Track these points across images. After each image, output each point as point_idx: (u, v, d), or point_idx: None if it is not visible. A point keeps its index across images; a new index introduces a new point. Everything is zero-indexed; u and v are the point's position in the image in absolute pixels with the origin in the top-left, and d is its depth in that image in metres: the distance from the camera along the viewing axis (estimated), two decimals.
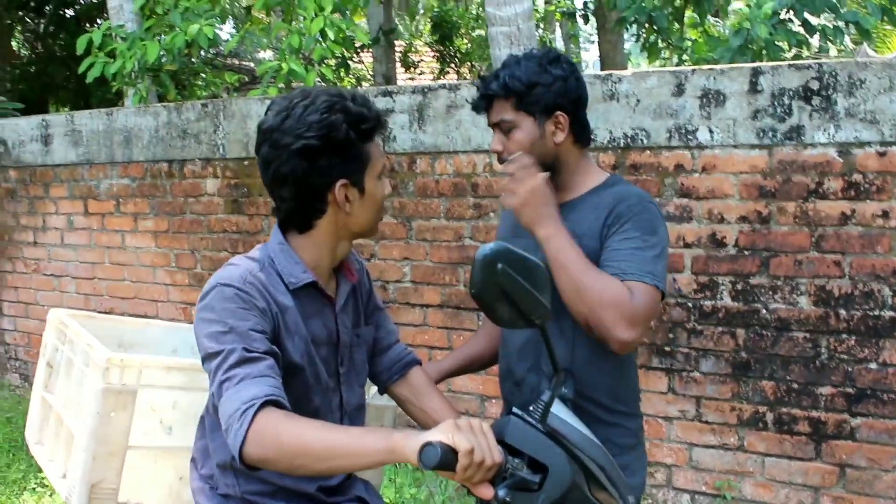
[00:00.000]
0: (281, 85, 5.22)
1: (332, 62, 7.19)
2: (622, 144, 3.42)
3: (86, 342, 2.04)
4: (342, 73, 6.82)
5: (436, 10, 14.07)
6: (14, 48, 16.32)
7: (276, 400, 1.53)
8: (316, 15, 5.18)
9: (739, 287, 3.27)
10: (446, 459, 1.28)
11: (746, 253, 3.24)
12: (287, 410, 1.53)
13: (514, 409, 1.51)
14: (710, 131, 3.24)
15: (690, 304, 3.36)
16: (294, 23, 5.66)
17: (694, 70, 3.30)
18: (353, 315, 1.91)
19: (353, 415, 1.88)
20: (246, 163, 4.60)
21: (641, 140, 3.38)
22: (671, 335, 3.41)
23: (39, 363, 2.35)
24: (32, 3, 15.27)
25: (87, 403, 1.90)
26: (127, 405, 1.91)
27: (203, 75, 7.88)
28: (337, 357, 1.83)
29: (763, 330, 3.24)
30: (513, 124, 1.98)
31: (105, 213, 5.31)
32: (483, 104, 2.03)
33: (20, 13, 15.22)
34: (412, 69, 14.22)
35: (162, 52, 5.64)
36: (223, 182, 4.72)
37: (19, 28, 16.48)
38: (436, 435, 1.32)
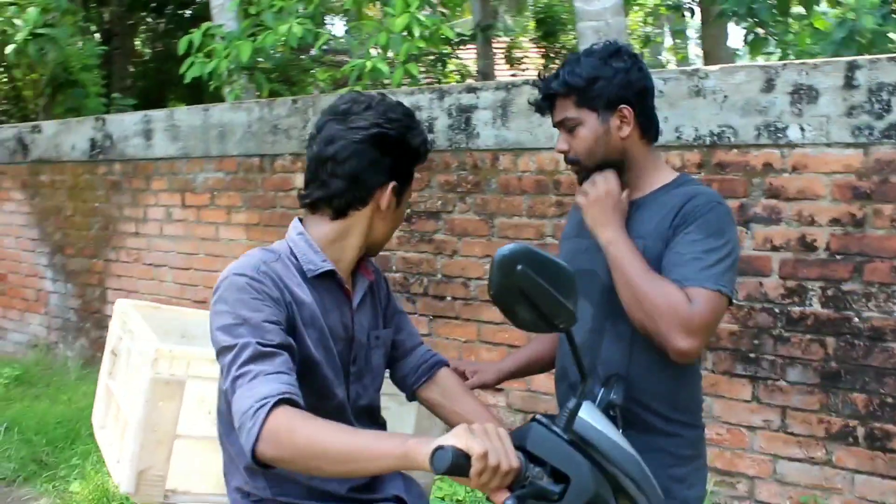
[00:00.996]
0: (368, 83, 5.25)
1: (424, 59, 7.19)
2: (708, 143, 3.29)
3: (140, 332, 2.10)
4: (439, 70, 6.81)
5: (540, 4, 13.94)
6: (137, 47, 17.09)
7: (290, 398, 1.50)
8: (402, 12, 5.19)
9: (830, 293, 3.10)
10: (458, 463, 1.25)
11: (838, 258, 3.07)
12: (301, 408, 1.51)
13: (538, 416, 1.46)
14: (802, 129, 3.09)
15: (777, 310, 3.21)
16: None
17: (785, 65, 3.15)
18: (371, 316, 1.88)
19: (358, 415, 1.83)
20: None
21: (728, 138, 3.24)
22: (756, 341, 3.27)
23: (105, 351, 2.43)
24: (153, 4, 15.93)
25: (137, 392, 1.95)
26: (175, 395, 1.95)
27: (313, 72, 8.03)
28: (350, 354, 1.81)
29: (855, 339, 3.07)
30: (576, 121, 1.91)
31: (201, 206, 5.47)
32: (546, 105, 1.98)
33: (142, 14, 15.88)
34: (516, 65, 14.14)
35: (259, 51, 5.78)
36: None
37: (142, 28, 17.24)
38: (449, 439, 1.29)
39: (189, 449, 2.00)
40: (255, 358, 1.55)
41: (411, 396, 2.05)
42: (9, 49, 7.42)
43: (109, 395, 2.34)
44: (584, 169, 1.94)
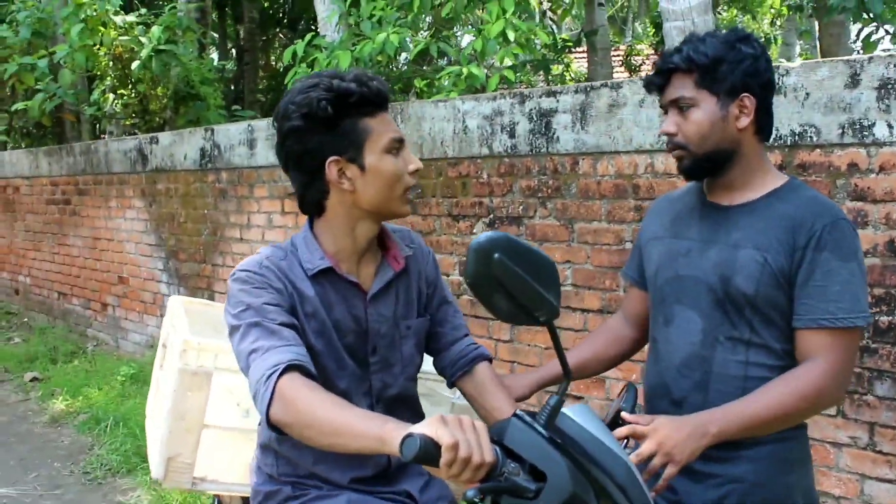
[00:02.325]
0: (463, 89, 5.26)
1: (527, 66, 7.16)
2: (789, 142, 3.13)
3: (179, 326, 2.17)
4: (535, 76, 6.76)
5: (658, 9, 13.68)
6: (272, 62, 17.81)
7: (300, 364, 1.56)
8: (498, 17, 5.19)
9: None
10: (427, 452, 1.23)
11: None
12: (313, 375, 1.57)
13: (518, 412, 1.42)
14: (890, 126, 2.89)
15: None
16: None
17: (871, 58, 2.95)
18: (400, 304, 1.87)
19: (391, 404, 1.85)
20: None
21: (811, 137, 3.07)
22: None
23: (159, 344, 2.53)
24: (285, 20, 16.57)
25: (167, 381, 2.02)
26: (202, 386, 2.00)
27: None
28: (367, 345, 1.81)
29: None
30: (692, 102, 1.83)
31: (298, 213, 5.60)
32: (659, 81, 1.89)
33: (276, 29, 16.54)
34: (635, 72, 13.89)
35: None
36: None
37: (276, 44, 17.97)
38: (420, 427, 1.28)
39: (217, 438, 2.06)
40: (263, 335, 1.63)
41: (451, 385, 2.05)
42: (135, 65, 7.84)
43: (157, 385, 2.43)
44: (690, 156, 1.86)
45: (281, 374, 1.54)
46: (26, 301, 9.64)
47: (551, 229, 4.05)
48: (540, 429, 1.38)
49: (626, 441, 1.75)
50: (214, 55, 18.19)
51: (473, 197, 4.40)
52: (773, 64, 3.14)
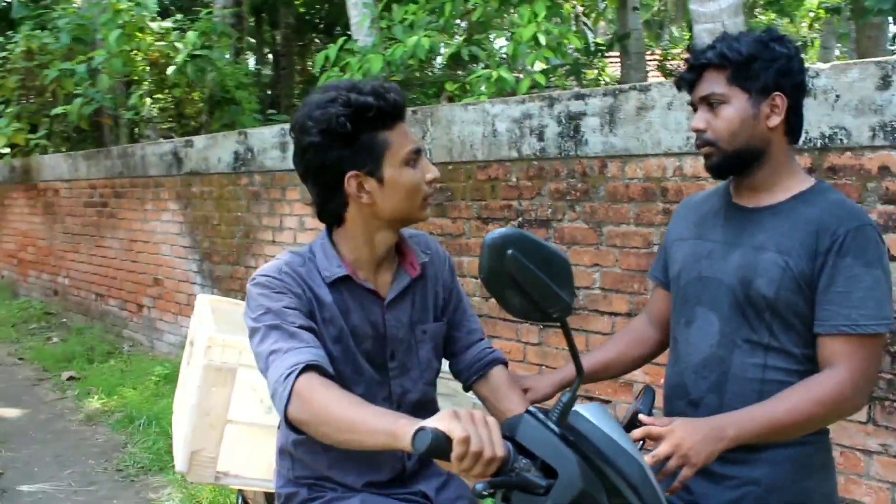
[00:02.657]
0: (492, 91, 5.27)
1: (560, 70, 7.15)
2: (819, 145, 3.10)
3: (205, 323, 2.21)
4: (568, 80, 6.76)
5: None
6: (308, 66, 17.97)
7: (318, 365, 1.59)
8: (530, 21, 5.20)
9: None
10: (438, 446, 1.24)
11: None
12: (331, 375, 1.60)
13: (531, 408, 1.42)
14: None
15: None
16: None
17: None
18: (416, 310, 1.89)
19: (411, 409, 1.86)
20: (450, 167, 4.70)
21: (841, 140, 3.04)
22: None
23: (187, 341, 2.57)
24: (322, 25, 16.70)
25: (193, 377, 2.06)
26: (226, 382, 2.04)
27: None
28: (385, 351, 1.83)
29: None
30: (723, 99, 1.82)
31: None
32: (691, 77, 1.88)
33: (313, 34, 16.68)
34: (670, 77, 13.80)
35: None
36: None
37: (311, 49, 18.12)
38: (433, 421, 1.29)
39: (240, 434, 2.09)
40: (283, 337, 1.66)
41: (467, 389, 2.07)
42: (170, 70, 7.96)
43: (184, 382, 2.47)
44: (719, 153, 1.85)
45: (299, 374, 1.56)
46: (65, 302, 9.81)
47: (580, 232, 4.04)
48: (552, 426, 1.39)
49: (642, 442, 1.74)
50: (252, 60, 18.40)
51: (502, 200, 4.41)
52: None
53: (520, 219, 4.31)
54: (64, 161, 9.37)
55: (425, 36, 5.46)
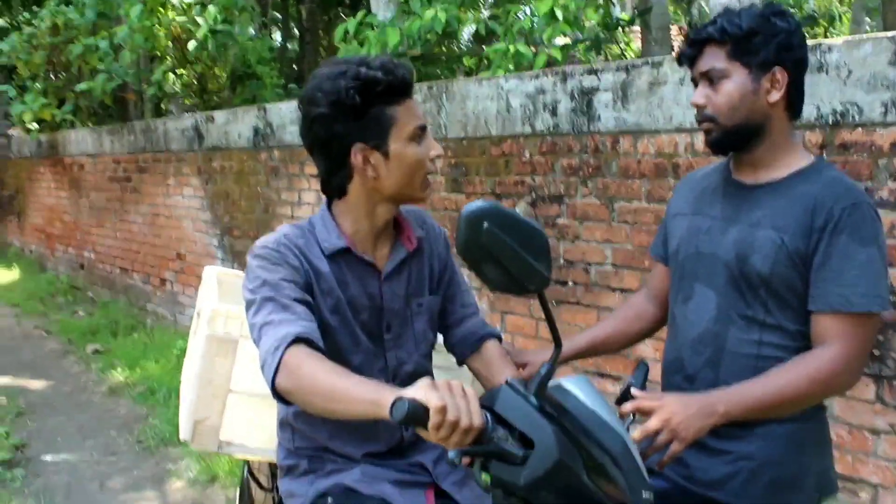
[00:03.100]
0: (510, 66, 5.24)
1: (579, 45, 7.08)
2: (830, 121, 3.06)
3: (209, 295, 2.25)
4: (594, 55, 6.70)
5: None
6: (333, 41, 17.96)
7: (307, 337, 1.61)
8: None
9: None
10: (415, 414, 1.26)
11: None
12: (320, 348, 1.62)
13: (509, 379, 1.44)
14: None
15: None
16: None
17: None
18: (412, 283, 1.91)
19: (407, 380, 1.88)
20: (464, 142, 4.70)
21: (853, 116, 3.00)
22: (881, 337, 3.01)
23: (194, 312, 2.61)
24: (347, 1, 16.66)
25: (196, 348, 2.10)
26: (228, 353, 2.08)
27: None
28: (381, 322, 1.85)
29: None
30: (724, 74, 1.82)
31: None
32: (692, 52, 1.88)
33: (338, 9, 16.64)
34: None
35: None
36: (445, 161, 4.85)
37: (336, 24, 18.08)
38: (411, 391, 1.31)
39: (242, 404, 2.13)
40: (276, 309, 1.68)
41: (460, 363, 2.10)
42: (191, 45, 7.99)
43: (190, 352, 2.52)
44: (719, 128, 1.85)
45: (288, 346, 1.59)
46: (90, 276, 9.95)
47: (592, 208, 4.03)
48: (529, 397, 1.40)
49: (633, 416, 1.76)
50: (277, 35, 18.41)
51: (516, 175, 4.41)
52: (817, 41, 3.08)
53: (532, 194, 4.30)
54: (89, 136, 9.47)
55: (442, 10, 5.43)
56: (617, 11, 12.43)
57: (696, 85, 1.91)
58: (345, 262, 1.83)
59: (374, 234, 1.86)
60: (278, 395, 1.60)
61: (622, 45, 10.47)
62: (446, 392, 1.32)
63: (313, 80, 1.76)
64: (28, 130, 10.42)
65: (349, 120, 1.71)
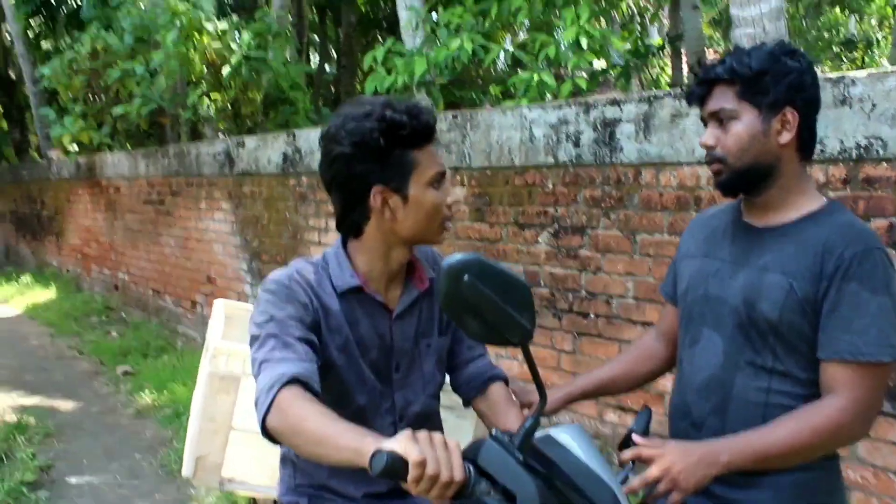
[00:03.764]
0: (535, 95, 5.24)
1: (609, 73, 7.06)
2: (854, 156, 3.01)
3: (214, 330, 2.25)
4: (623, 82, 6.66)
5: None
6: (364, 70, 18.11)
7: (304, 380, 1.60)
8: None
9: None
10: (394, 468, 1.24)
11: None
12: (315, 391, 1.60)
13: (494, 432, 1.41)
14: None
15: None
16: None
17: None
18: (422, 323, 1.90)
19: (414, 421, 1.87)
20: (489, 172, 4.69)
21: (877, 151, 2.95)
22: None
23: (204, 347, 2.62)
24: (385, 24, 16.83)
25: (199, 384, 2.10)
26: (230, 390, 2.07)
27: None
28: (390, 362, 1.84)
29: None
30: (732, 114, 1.78)
31: None
32: (700, 91, 1.85)
33: (376, 31, 16.80)
34: None
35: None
36: (469, 190, 4.85)
37: (374, 48, 18.24)
38: (391, 443, 1.29)
39: (245, 441, 2.12)
40: (278, 347, 1.68)
41: (466, 404, 2.08)
42: (225, 71, 8.10)
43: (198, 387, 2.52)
44: (728, 170, 1.81)
45: (283, 386, 1.58)
46: (124, 297, 10.08)
47: (614, 240, 4.00)
48: (513, 450, 1.38)
49: (632, 463, 1.72)
50: (315, 58, 18.61)
51: (539, 206, 4.39)
52: (840, 74, 3.03)
53: (555, 225, 4.28)
54: (125, 159, 9.62)
55: (469, 39, 5.45)
56: (655, 36, 12.40)
57: (705, 125, 1.88)
58: (356, 300, 1.82)
59: (387, 276, 1.86)
60: (268, 434, 1.59)
61: (656, 71, 10.45)
62: (426, 445, 1.29)
63: (337, 118, 1.76)
64: (67, 152, 10.63)
65: (371, 161, 1.71)
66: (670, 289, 2.16)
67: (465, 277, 1.33)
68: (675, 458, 1.69)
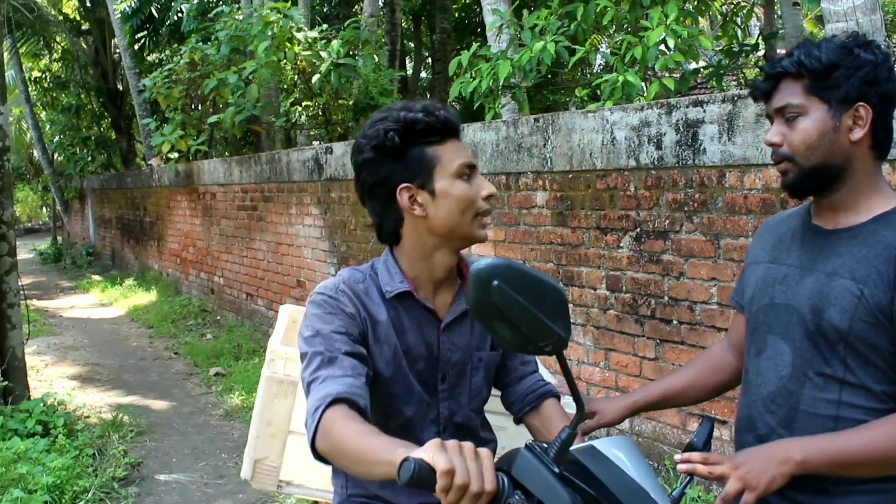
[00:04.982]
0: (620, 97, 5.13)
1: (700, 73, 6.88)
2: None
3: (276, 334, 2.25)
4: (718, 84, 6.47)
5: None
6: (449, 75, 18.16)
7: (348, 398, 1.58)
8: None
9: None
10: (422, 477, 1.20)
11: None
12: (360, 408, 1.58)
13: (529, 443, 1.35)
14: None
15: None
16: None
17: None
18: (475, 335, 1.86)
19: (458, 433, 1.83)
20: (570, 176, 4.62)
21: None
22: None
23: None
24: (479, 30, 16.87)
25: (259, 388, 2.11)
26: (288, 394, 2.07)
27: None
28: (437, 373, 1.81)
29: None
30: (801, 110, 1.68)
31: None
32: (767, 87, 1.75)
33: (472, 37, 16.87)
34: None
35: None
36: (551, 195, 4.78)
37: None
38: (419, 451, 1.25)
39: (302, 445, 2.12)
40: (323, 364, 1.66)
41: (517, 420, 2.02)
42: (315, 78, 8.24)
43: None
44: (796, 169, 1.71)
45: (327, 407, 1.56)
46: (220, 300, 10.35)
47: (697, 245, 3.87)
48: (548, 462, 1.32)
49: (688, 478, 1.64)
50: (410, 65, 18.78)
51: (620, 210, 4.29)
52: None
53: (637, 229, 4.17)
54: (220, 166, 9.89)
55: (551, 41, 5.38)
56: (755, 36, 12.03)
57: (771, 122, 1.78)
58: (404, 307, 1.80)
59: (434, 281, 1.82)
60: (319, 456, 1.58)
61: (756, 72, 10.12)
62: (456, 454, 1.25)
63: (363, 129, 1.79)
64: (166, 160, 10.99)
65: (393, 162, 1.71)
66: (740, 296, 2.06)
67: (495, 283, 1.27)
68: (744, 458, 1.60)
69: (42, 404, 5.67)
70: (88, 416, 6.19)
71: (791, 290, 1.77)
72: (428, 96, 16.75)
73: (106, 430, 5.80)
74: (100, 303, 12.84)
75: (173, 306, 11.01)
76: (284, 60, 8.45)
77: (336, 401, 1.57)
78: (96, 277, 15.54)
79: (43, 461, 4.81)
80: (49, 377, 7.57)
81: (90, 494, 4.64)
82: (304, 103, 9.26)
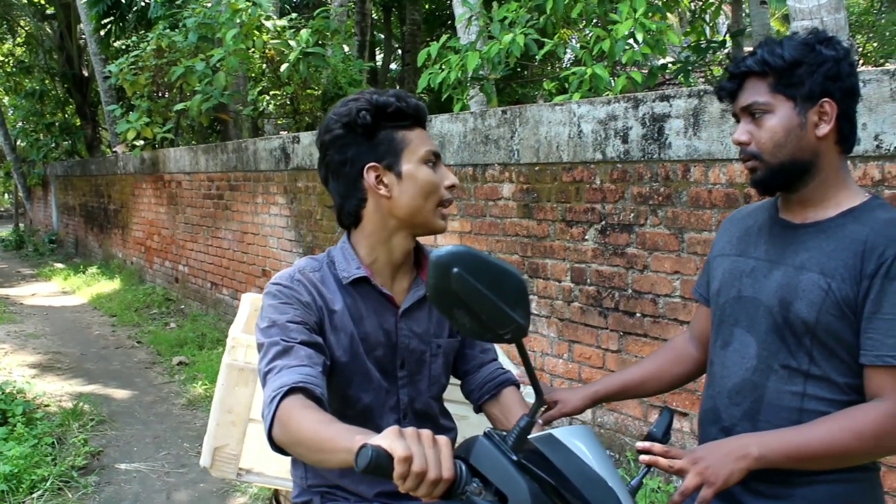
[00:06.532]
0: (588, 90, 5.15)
1: (672, 68, 6.91)
2: None
3: (236, 322, 2.24)
4: (684, 79, 6.51)
5: None
6: (418, 66, 18.14)
7: (304, 387, 1.57)
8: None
9: None
10: (380, 464, 1.20)
11: None
12: (316, 397, 1.57)
13: (488, 430, 1.35)
14: None
15: None
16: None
17: None
18: (433, 322, 1.86)
19: (418, 420, 1.84)
20: (537, 168, 4.63)
21: None
22: None
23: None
24: (449, 22, 16.88)
25: (220, 376, 2.09)
26: (249, 382, 2.06)
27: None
28: (395, 359, 1.81)
29: None
30: (766, 108, 1.69)
31: None
32: (732, 87, 1.77)
33: (441, 30, 16.86)
34: None
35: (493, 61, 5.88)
36: (517, 187, 4.79)
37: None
38: (377, 439, 1.25)
39: (262, 433, 2.10)
40: (279, 354, 1.65)
41: (477, 409, 2.02)
42: (283, 67, 8.17)
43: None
44: (764, 167, 1.72)
45: (283, 397, 1.55)
46: (184, 289, 10.25)
47: (662, 238, 3.90)
48: (506, 449, 1.32)
49: (646, 469, 1.65)
50: (379, 56, 18.73)
51: (586, 203, 4.31)
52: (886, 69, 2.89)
53: (602, 222, 4.20)
54: (186, 154, 9.78)
55: (521, 34, 5.39)
56: (722, 31, 12.14)
57: (737, 121, 1.79)
58: (361, 294, 1.79)
59: (392, 266, 1.82)
60: (276, 446, 1.57)
61: (722, 68, 10.20)
62: (413, 441, 1.24)
63: (329, 113, 1.80)
64: (132, 147, 10.86)
65: (362, 141, 1.73)
66: (703, 289, 2.08)
67: (454, 270, 1.27)
68: (702, 453, 1.61)
69: (0, 392, 5.59)
70: (48, 405, 6.11)
71: (759, 284, 1.78)
72: (397, 87, 16.71)
73: (66, 419, 5.73)
74: (62, 291, 12.66)
75: (137, 295, 10.89)
76: (253, 49, 8.37)
77: (292, 390, 1.56)
78: (59, 265, 15.32)
79: (0, 450, 4.74)
80: (8, 365, 7.45)
81: (48, 483, 4.58)
82: (271, 92, 9.19)
